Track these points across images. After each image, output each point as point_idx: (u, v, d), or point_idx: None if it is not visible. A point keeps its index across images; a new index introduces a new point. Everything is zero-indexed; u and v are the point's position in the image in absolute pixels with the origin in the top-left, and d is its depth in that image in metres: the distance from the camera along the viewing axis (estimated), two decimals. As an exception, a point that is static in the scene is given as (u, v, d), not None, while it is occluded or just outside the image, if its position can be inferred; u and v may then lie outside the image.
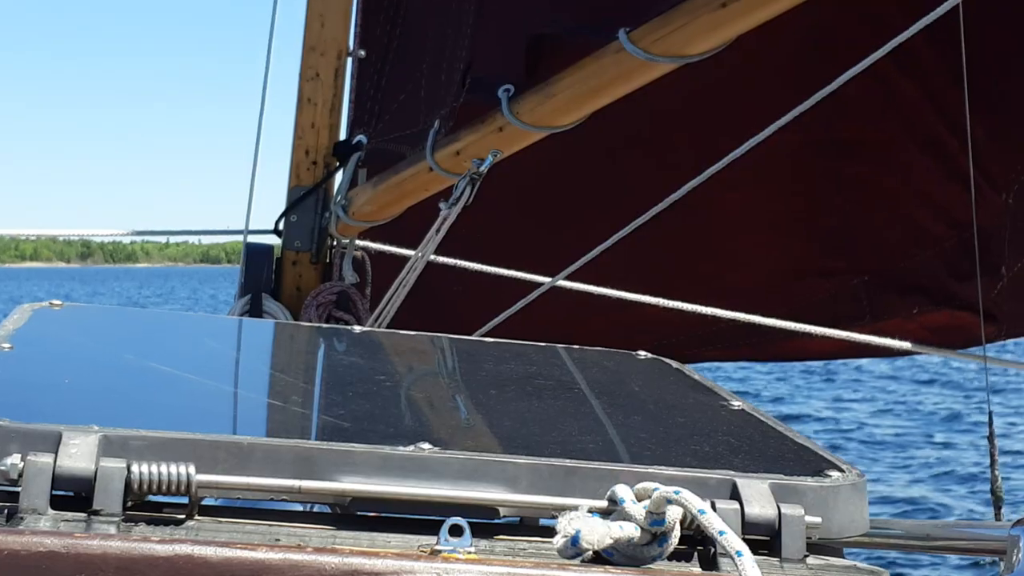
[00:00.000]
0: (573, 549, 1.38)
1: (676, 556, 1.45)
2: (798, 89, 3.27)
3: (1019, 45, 4.28)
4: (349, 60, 4.72)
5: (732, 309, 4.37)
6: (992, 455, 3.71)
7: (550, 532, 1.53)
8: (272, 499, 1.49)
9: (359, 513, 1.51)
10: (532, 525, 1.57)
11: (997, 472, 3.67)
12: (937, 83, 4.42)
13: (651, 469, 1.54)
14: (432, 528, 1.45)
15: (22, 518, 1.36)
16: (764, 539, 1.47)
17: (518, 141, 3.58)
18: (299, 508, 1.62)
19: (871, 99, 4.54)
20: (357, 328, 2.50)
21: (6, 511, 1.41)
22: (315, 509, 1.61)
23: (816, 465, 1.62)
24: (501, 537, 1.51)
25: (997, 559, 2.67)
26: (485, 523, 1.49)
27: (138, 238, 5.01)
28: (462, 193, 3.55)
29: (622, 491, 1.45)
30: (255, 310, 4.59)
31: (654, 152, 4.73)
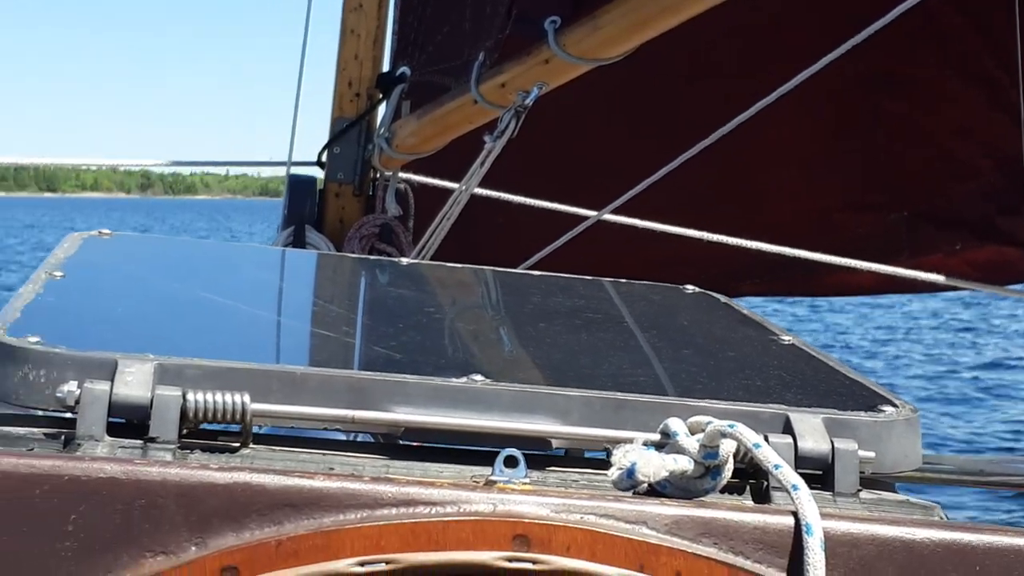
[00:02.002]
0: (628, 481, 1.38)
1: (728, 489, 1.45)
2: (846, 23, 3.24)
3: None
4: (392, -9, 4.69)
5: (772, 243, 4.35)
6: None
7: (600, 464, 1.53)
8: (325, 428, 1.49)
9: (411, 444, 1.51)
10: (582, 457, 1.58)
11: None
12: (988, 17, 4.37)
13: (703, 403, 1.54)
14: (483, 460, 1.45)
15: (79, 444, 1.37)
16: (817, 473, 1.47)
17: (564, 74, 3.55)
18: (348, 439, 1.63)
19: (916, 33, 4.49)
20: (404, 260, 2.50)
21: (63, 437, 1.43)
22: (362, 440, 1.62)
23: (869, 400, 1.62)
24: (553, 469, 1.51)
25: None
26: (537, 455, 1.49)
27: (177, 169, 5.02)
28: (507, 126, 3.53)
29: (675, 424, 1.44)
30: (298, 242, 4.59)
31: (699, 86, 4.70)
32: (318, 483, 1.28)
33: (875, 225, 4.83)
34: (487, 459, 1.44)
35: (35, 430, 1.45)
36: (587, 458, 1.57)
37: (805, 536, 1.31)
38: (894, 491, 1.55)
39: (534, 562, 1.27)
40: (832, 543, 1.32)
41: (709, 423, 1.43)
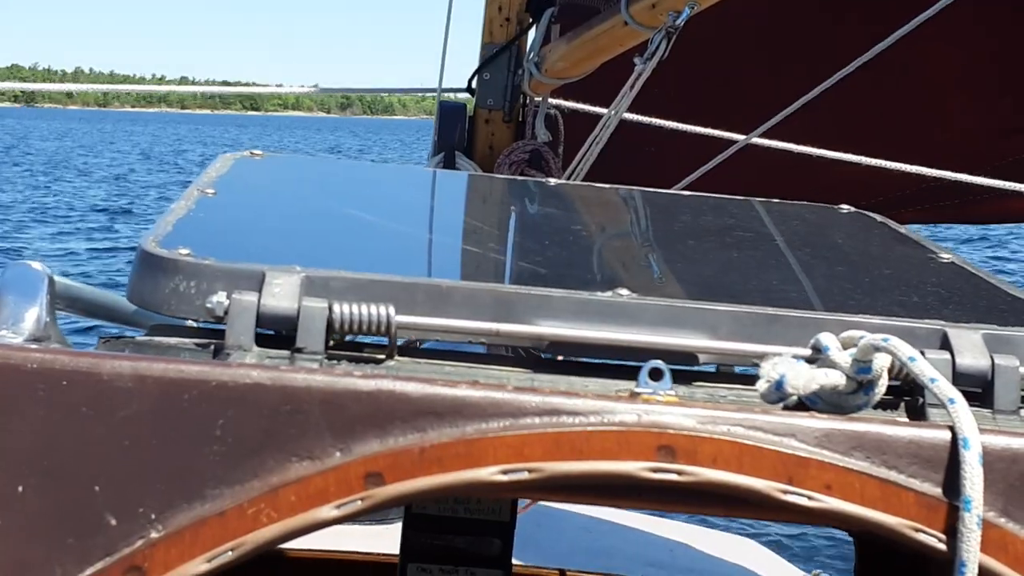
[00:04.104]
0: (777, 393, 1.35)
1: (881, 406, 1.42)
2: None
3: None
4: (542, -86, 4.63)
5: (934, 168, 4.24)
6: None
7: (748, 381, 1.50)
8: (469, 341, 1.49)
9: (555, 358, 1.50)
10: (729, 373, 1.55)
11: None
12: None
13: (856, 318, 1.50)
14: (628, 374, 1.44)
15: (228, 354, 1.38)
16: (976, 391, 1.42)
17: (715, -9, 3.48)
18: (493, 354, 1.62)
19: None
20: (552, 180, 2.49)
21: (212, 347, 1.44)
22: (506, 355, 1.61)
23: None
24: (699, 384, 1.49)
25: None
26: (683, 370, 1.47)
27: (317, 92, 4.99)
28: (657, 47, 3.48)
29: (827, 339, 1.41)
30: (448, 168, 4.59)
31: (856, 5, 4.58)
32: (461, 391, 1.27)
33: None
34: (632, 374, 1.42)
35: (185, 340, 1.48)
36: (734, 374, 1.54)
37: (962, 450, 1.27)
38: None
39: (679, 473, 1.26)
40: (990, 458, 1.27)
41: (862, 338, 1.39)
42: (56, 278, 1.56)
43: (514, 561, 2.47)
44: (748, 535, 6.12)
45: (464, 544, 2.42)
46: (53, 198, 32.57)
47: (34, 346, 1.36)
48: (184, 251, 1.50)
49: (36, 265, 1.55)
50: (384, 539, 2.67)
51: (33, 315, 1.45)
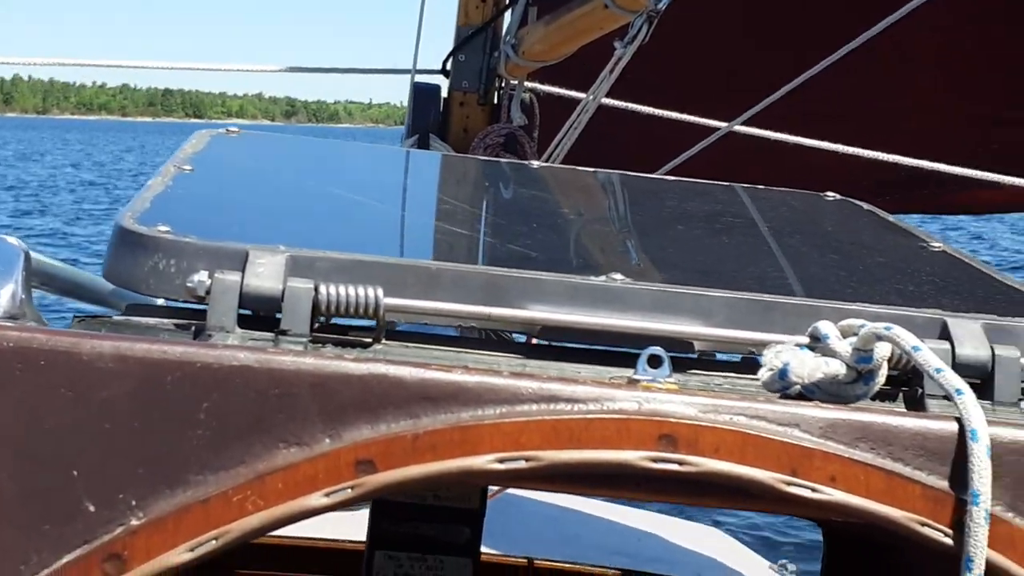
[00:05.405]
0: (780, 383, 1.32)
1: (880, 396, 1.39)
2: None
3: None
4: None
5: (911, 157, 4.22)
6: None
7: (743, 369, 1.47)
8: (459, 325, 1.45)
9: (547, 343, 1.47)
10: (724, 361, 1.52)
11: None
12: None
13: (854, 306, 1.47)
14: (622, 361, 1.40)
15: (210, 335, 1.34)
16: (975, 382, 1.39)
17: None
18: (482, 338, 1.58)
19: None
20: (535, 163, 2.45)
21: (193, 328, 1.40)
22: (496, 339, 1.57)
23: None
24: (695, 372, 1.45)
25: None
26: (678, 357, 1.43)
27: (287, 70, 4.90)
28: (638, 31, 3.44)
29: (826, 327, 1.37)
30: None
31: None
32: (457, 376, 1.23)
33: (1015, 139, 4.66)
34: (625, 361, 1.39)
35: (165, 320, 1.43)
36: (729, 362, 1.51)
37: (970, 442, 1.23)
38: None
39: (681, 463, 1.22)
40: (999, 451, 1.24)
41: (862, 326, 1.35)
42: (32, 254, 1.50)
43: (482, 549, 2.43)
44: (716, 524, 6.12)
45: (432, 532, 2.38)
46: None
47: (10, 324, 1.31)
48: (163, 228, 1.45)
49: (12, 240, 1.50)
50: (351, 525, 2.63)
51: (8, 292, 1.40)
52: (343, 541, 2.95)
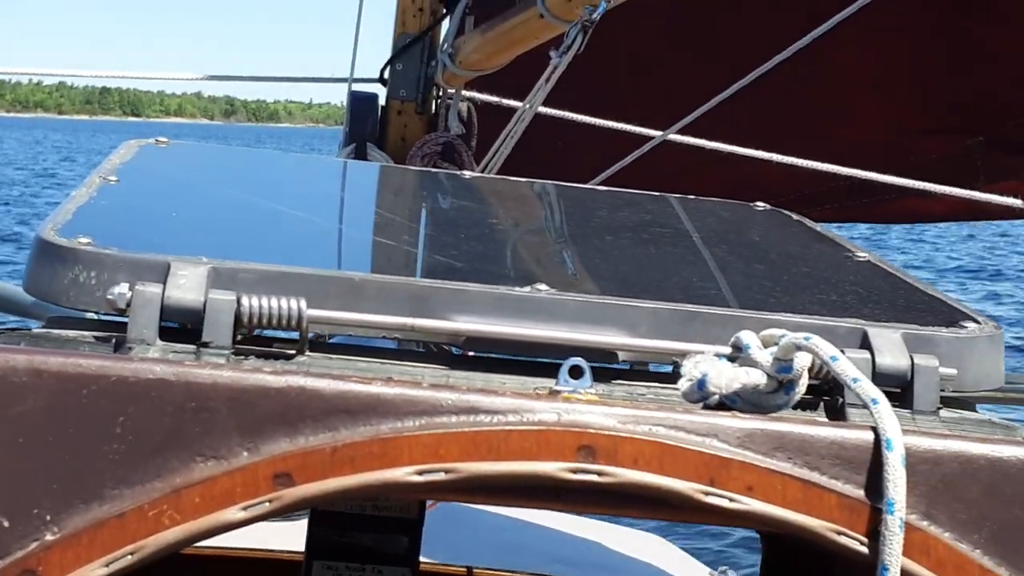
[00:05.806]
0: (699, 393, 1.32)
1: (803, 405, 1.40)
2: None
3: None
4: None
5: (845, 166, 4.26)
6: None
7: (667, 379, 1.47)
8: (383, 337, 1.45)
9: (471, 354, 1.47)
10: (649, 371, 1.52)
11: None
12: None
13: (776, 316, 1.47)
14: (546, 372, 1.40)
15: (130, 348, 1.33)
16: (895, 391, 1.40)
17: (632, -15, 3.46)
18: (407, 350, 1.58)
19: None
20: (468, 173, 2.45)
21: (113, 340, 1.39)
22: (420, 351, 1.57)
23: (950, 316, 1.55)
24: (618, 382, 1.46)
25: None
26: (602, 368, 1.44)
27: (212, 79, 4.87)
28: (573, 41, 3.45)
29: (747, 337, 1.38)
30: (360, 159, 4.53)
31: (768, 4, 4.60)
32: (376, 388, 1.23)
33: (950, 149, 4.71)
34: (550, 371, 1.39)
35: (84, 333, 1.42)
36: (654, 372, 1.51)
37: (885, 452, 1.24)
38: (974, 411, 1.49)
39: (600, 474, 1.22)
40: (913, 460, 1.25)
41: (783, 336, 1.36)
42: None
43: (422, 559, 2.43)
44: (657, 532, 6.14)
45: (371, 542, 2.37)
46: None
47: None
48: (84, 240, 1.44)
49: None
50: (289, 536, 2.62)
51: None
52: (281, 552, 2.94)
